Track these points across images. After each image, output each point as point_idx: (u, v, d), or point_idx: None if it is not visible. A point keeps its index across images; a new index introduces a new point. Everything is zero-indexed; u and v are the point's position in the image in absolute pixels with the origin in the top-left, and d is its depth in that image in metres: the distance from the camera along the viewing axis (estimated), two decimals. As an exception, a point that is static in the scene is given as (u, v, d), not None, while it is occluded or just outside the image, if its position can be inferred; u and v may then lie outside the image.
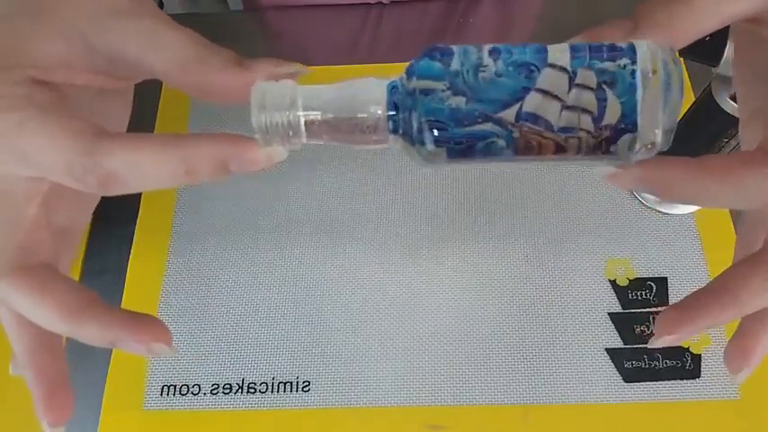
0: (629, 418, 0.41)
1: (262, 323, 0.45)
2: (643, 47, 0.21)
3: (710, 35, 0.41)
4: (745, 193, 0.21)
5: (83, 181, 0.21)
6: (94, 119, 0.24)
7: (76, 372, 0.44)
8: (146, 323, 0.23)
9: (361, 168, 0.50)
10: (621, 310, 0.44)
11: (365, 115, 0.21)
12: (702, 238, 0.46)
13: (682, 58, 0.43)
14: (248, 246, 0.47)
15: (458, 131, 0.21)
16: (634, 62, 0.20)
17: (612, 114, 0.20)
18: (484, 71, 0.20)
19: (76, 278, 0.47)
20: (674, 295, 0.44)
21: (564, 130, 0.21)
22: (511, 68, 0.20)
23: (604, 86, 0.20)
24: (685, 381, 0.42)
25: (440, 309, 0.45)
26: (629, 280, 0.45)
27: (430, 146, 0.21)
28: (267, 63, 0.23)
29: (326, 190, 0.49)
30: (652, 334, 0.44)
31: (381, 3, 0.58)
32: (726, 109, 0.39)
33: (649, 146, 0.21)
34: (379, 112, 0.21)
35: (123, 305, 0.45)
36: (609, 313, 0.44)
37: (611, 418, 0.41)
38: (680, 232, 0.46)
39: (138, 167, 0.21)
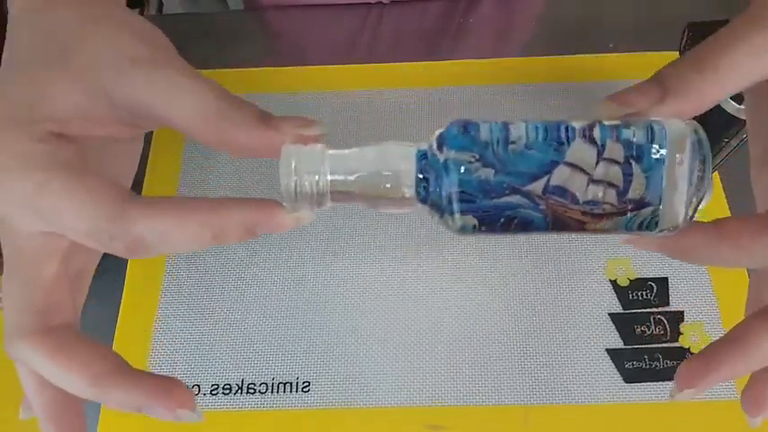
0: (629, 419, 0.41)
1: (261, 323, 0.44)
2: (672, 125, 0.21)
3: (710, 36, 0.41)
4: (760, 258, 0.21)
5: (108, 246, 0.20)
6: (106, 165, 0.24)
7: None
8: (171, 389, 0.23)
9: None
10: (622, 311, 0.44)
11: (393, 184, 0.21)
12: (703, 239, 0.46)
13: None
14: (248, 246, 0.47)
15: (485, 203, 0.21)
16: (663, 138, 0.20)
17: (637, 189, 0.20)
18: (514, 143, 0.20)
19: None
20: (675, 295, 0.44)
21: (589, 203, 0.21)
22: (541, 141, 0.20)
23: (631, 161, 0.20)
24: (686, 381, 0.42)
25: (440, 309, 0.45)
26: (630, 280, 0.45)
27: (457, 216, 0.21)
28: (293, 123, 0.22)
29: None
30: (653, 334, 0.44)
31: (381, 2, 0.58)
32: (727, 109, 0.39)
33: (672, 227, 0.21)
34: (408, 181, 0.21)
35: (122, 306, 0.45)
36: (609, 313, 0.44)
37: (611, 419, 0.41)
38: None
39: (166, 234, 0.20)
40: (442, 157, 0.21)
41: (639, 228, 0.21)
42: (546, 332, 0.44)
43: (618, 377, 0.42)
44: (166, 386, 0.22)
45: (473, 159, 0.20)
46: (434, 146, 0.21)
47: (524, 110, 0.52)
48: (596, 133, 0.21)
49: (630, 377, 0.42)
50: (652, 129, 0.21)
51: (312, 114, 0.53)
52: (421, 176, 0.21)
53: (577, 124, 0.21)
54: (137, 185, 0.49)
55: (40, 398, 0.23)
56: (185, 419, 0.23)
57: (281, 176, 0.21)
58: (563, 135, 0.21)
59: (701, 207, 0.21)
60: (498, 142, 0.21)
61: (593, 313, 0.44)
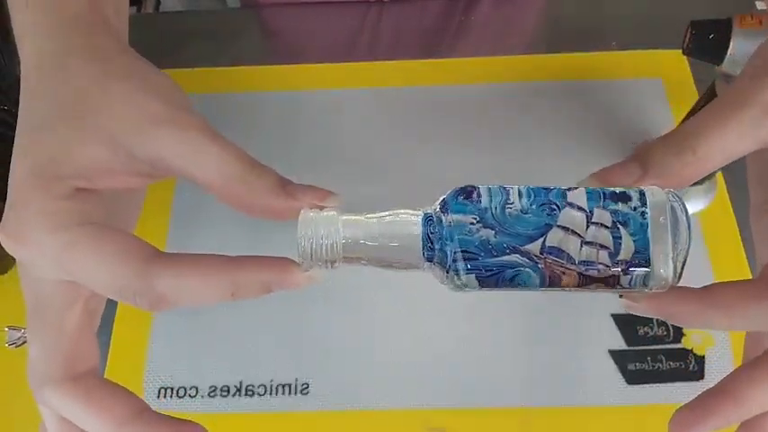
0: (632, 421, 0.41)
1: (260, 325, 0.44)
2: (652, 193, 0.23)
3: (713, 34, 0.41)
4: (750, 323, 0.23)
5: (132, 301, 0.21)
6: (119, 212, 0.25)
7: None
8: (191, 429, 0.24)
9: (364, 163, 0.49)
10: (624, 312, 0.43)
11: (402, 247, 0.24)
12: (707, 239, 0.46)
13: (686, 56, 0.43)
14: (247, 248, 0.46)
15: (488, 261, 0.23)
16: (645, 205, 0.23)
17: (627, 251, 0.23)
18: (510, 207, 0.23)
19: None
20: (678, 296, 0.44)
21: (584, 263, 0.23)
22: (534, 206, 0.23)
23: (619, 225, 0.23)
24: (689, 382, 0.41)
25: (440, 311, 0.44)
26: (632, 281, 0.44)
27: (462, 273, 0.23)
28: (311, 195, 0.24)
29: (327, 187, 0.48)
30: (656, 335, 0.44)
31: (381, 1, 0.58)
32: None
33: (663, 282, 0.23)
34: (416, 244, 0.24)
35: (120, 306, 0.45)
36: (612, 315, 0.43)
37: (614, 421, 0.41)
38: (683, 232, 0.46)
39: (189, 291, 0.21)
40: (445, 220, 0.23)
41: (632, 285, 0.23)
42: (548, 333, 0.43)
43: (620, 379, 0.42)
44: (184, 430, 0.24)
45: (474, 221, 0.23)
46: (438, 209, 0.24)
47: (525, 109, 0.51)
48: (584, 200, 0.23)
49: (633, 379, 0.41)
50: (634, 196, 0.23)
51: (312, 113, 0.53)
52: (427, 238, 0.24)
53: (567, 192, 0.23)
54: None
55: None
56: None
57: (298, 240, 0.23)
58: (554, 201, 0.23)
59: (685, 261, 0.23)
60: (497, 206, 0.23)
61: (596, 314, 0.44)
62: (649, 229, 0.23)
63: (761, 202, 0.28)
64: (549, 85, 0.52)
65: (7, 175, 0.22)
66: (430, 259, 0.24)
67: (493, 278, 0.23)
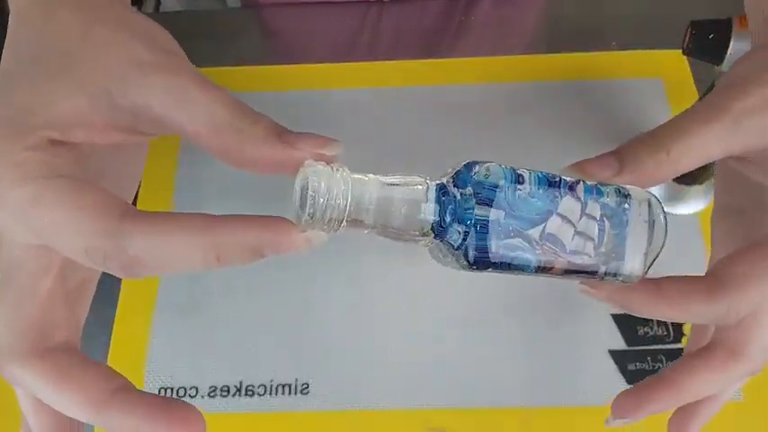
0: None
1: (260, 325, 0.44)
2: (635, 193, 0.24)
3: (713, 34, 0.41)
4: (693, 317, 0.25)
5: (103, 265, 0.19)
6: (110, 173, 0.23)
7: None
8: (178, 411, 0.21)
9: (364, 163, 0.49)
10: (624, 312, 0.43)
11: (411, 217, 0.22)
12: (706, 238, 0.46)
13: (686, 56, 0.43)
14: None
15: (494, 242, 0.23)
16: (628, 203, 0.24)
17: (608, 243, 0.24)
18: (521, 190, 0.23)
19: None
20: (678, 296, 0.44)
21: (573, 252, 0.23)
22: (542, 191, 0.23)
23: (605, 219, 0.24)
24: (689, 383, 0.41)
25: (440, 310, 0.44)
26: (632, 281, 0.44)
27: (470, 251, 0.22)
28: (312, 142, 0.22)
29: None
30: (656, 335, 0.44)
31: (381, 1, 0.58)
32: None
33: (631, 276, 0.24)
34: (427, 216, 0.23)
35: (119, 307, 0.45)
36: (612, 315, 0.43)
37: (613, 421, 0.41)
38: (684, 232, 0.46)
39: (166, 254, 0.19)
40: (458, 195, 0.23)
41: (607, 276, 0.24)
42: (548, 333, 0.43)
43: (621, 379, 0.42)
44: (173, 409, 0.21)
45: (487, 201, 0.22)
46: (451, 183, 0.23)
47: (525, 109, 0.51)
48: (581, 191, 0.24)
49: (633, 379, 0.41)
50: (621, 194, 0.24)
51: (311, 113, 0.53)
52: (438, 212, 0.23)
53: (568, 180, 0.24)
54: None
55: (39, 420, 0.22)
56: None
57: (295, 195, 0.21)
58: (558, 188, 0.23)
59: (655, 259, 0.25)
60: (509, 187, 0.23)
61: (596, 314, 0.44)
62: (629, 226, 0.24)
63: (723, 206, 0.30)
64: (549, 85, 0.52)
65: None
66: (438, 234, 0.23)
67: (495, 259, 0.23)
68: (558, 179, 0.24)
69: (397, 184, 0.23)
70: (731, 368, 0.25)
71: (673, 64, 0.52)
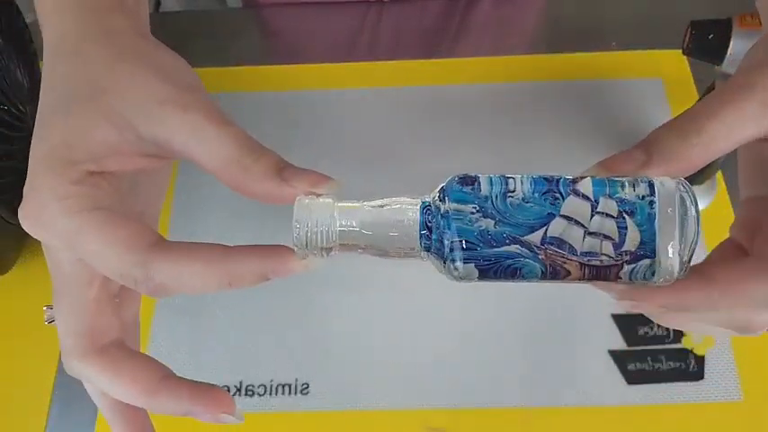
0: (632, 421, 0.41)
1: (260, 325, 0.44)
2: (661, 182, 0.22)
3: (713, 34, 0.41)
4: (753, 301, 0.23)
5: (135, 287, 0.22)
6: (139, 194, 0.26)
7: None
8: (214, 396, 0.25)
9: (364, 163, 0.49)
10: (624, 312, 0.43)
11: (399, 235, 0.23)
12: (707, 239, 0.45)
13: (686, 56, 0.43)
14: (248, 242, 0.47)
15: (486, 251, 0.22)
16: (653, 194, 0.22)
17: (632, 242, 0.22)
18: (512, 196, 0.22)
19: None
20: (678, 296, 0.44)
21: (587, 254, 0.22)
22: (537, 195, 0.22)
23: (625, 215, 0.22)
24: (689, 383, 0.41)
25: (440, 311, 0.44)
26: (632, 281, 0.44)
27: (459, 264, 0.22)
28: (308, 180, 0.24)
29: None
30: (656, 335, 0.44)
31: (381, 1, 0.58)
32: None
33: (668, 275, 0.22)
34: (413, 232, 0.23)
35: (119, 307, 0.45)
36: (612, 315, 0.43)
37: (614, 421, 0.41)
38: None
39: (187, 282, 0.22)
40: (443, 209, 0.22)
41: (637, 278, 0.22)
42: (547, 333, 0.43)
43: (620, 379, 0.42)
44: (209, 393, 0.25)
45: (474, 210, 0.22)
46: (437, 198, 0.23)
47: (525, 109, 0.51)
48: (589, 189, 0.22)
49: (633, 379, 0.41)
50: (641, 185, 0.22)
51: (311, 113, 0.53)
52: (425, 227, 0.23)
53: (571, 179, 0.23)
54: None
55: (104, 403, 0.26)
56: (227, 422, 0.25)
57: (293, 227, 0.23)
58: (557, 189, 0.22)
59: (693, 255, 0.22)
60: (497, 195, 0.22)
61: (596, 314, 0.44)
62: (657, 220, 0.22)
63: (756, 196, 0.27)
64: (549, 85, 0.52)
65: (8, 171, 0.23)
66: (427, 248, 0.23)
67: (491, 269, 0.22)
68: (556, 180, 0.23)
69: (382, 207, 0.23)
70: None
71: (673, 64, 0.52)
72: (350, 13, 0.58)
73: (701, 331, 0.25)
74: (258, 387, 0.42)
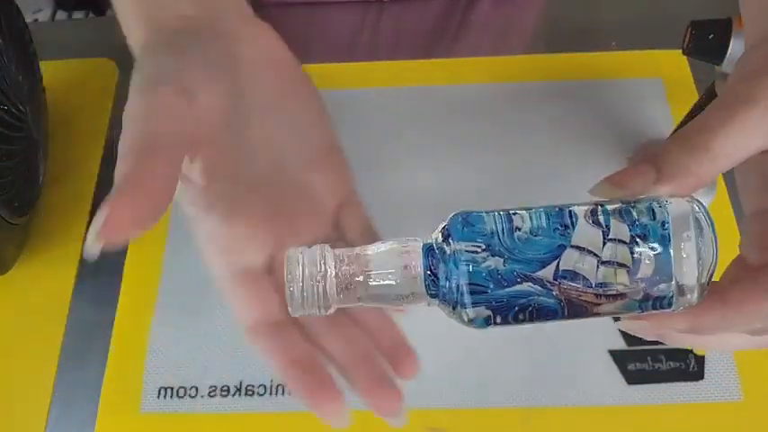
0: (632, 421, 0.41)
1: (260, 325, 0.44)
2: (674, 203, 0.21)
3: (713, 34, 0.41)
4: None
5: None
6: None
7: (73, 374, 0.43)
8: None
9: (364, 163, 0.49)
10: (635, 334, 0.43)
11: (401, 282, 0.21)
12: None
13: (686, 56, 0.43)
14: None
15: (498, 293, 0.21)
16: (666, 215, 0.21)
17: (647, 268, 0.20)
18: (520, 231, 0.21)
19: (72, 280, 0.46)
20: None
21: (601, 285, 0.21)
22: (545, 227, 0.21)
23: (638, 240, 0.20)
24: (689, 383, 0.41)
25: (440, 310, 0.44)
26: (632, 281, 0.44)
27: (470, 308, 0.21)
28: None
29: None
30: (655, 335, 0.43)
31: (381, 1, 0.58)
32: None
33: (686, 302, 0.21)
34: (416, 278, 0.21)
35: (119, 307, 0.45)
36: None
37: (614, 421, 0.41)
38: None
39: None
40: (449, 250, 0.21)
41: (655, 306, 0.21)
42: (547, 333, 0.43)
43: (620, 379, 0.42)
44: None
45: (480, 250, 0.20)
46: (440, 239, 0.21)
47: (525, 109, 0.51)
48: (599, 215, 0.21)
49: (633, 379, 0.41)
50: (654, 208, 0.21)
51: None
52: (429, 271, 0.21)
53: (579, 208, 0.21)
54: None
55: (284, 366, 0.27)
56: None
57: (285, 284, 0.21)
58: (567, 219, 0.21)
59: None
60: (504, 231, 0.21)
61: (595, 314, 0.44)
62: (671, 243, 0.20)
63: (759, 210, 0.26)
64: (549, 84, 0.52)
65: (8, 171, 0.22)
66: (434, 295, 0.22)
67: (504, 311, 0.21)
68: (564, 209, 0.21)
69: (381, 252, 0.22)
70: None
71: (673, 64, 0.52)
72: (350, 13, 0.58)
73: (715, 348, 0.25)
74: (258, 387, 0.42)
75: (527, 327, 0.43)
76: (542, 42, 0.56)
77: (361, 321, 0.27)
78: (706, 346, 0.25)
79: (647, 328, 0.23)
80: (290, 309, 0.22)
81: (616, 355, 0.42)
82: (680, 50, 0.42)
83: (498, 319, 0.21)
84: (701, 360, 0.42)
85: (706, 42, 0.41)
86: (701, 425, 0.40)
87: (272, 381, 0.42)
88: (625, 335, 0.43)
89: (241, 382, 0.42)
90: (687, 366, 0.42)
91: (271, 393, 0.42)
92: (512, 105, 0.51)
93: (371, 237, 0.29)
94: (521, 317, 0.21)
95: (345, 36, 0.57)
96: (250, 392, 0.42)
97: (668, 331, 0.23)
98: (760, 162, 0.25)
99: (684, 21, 0.42)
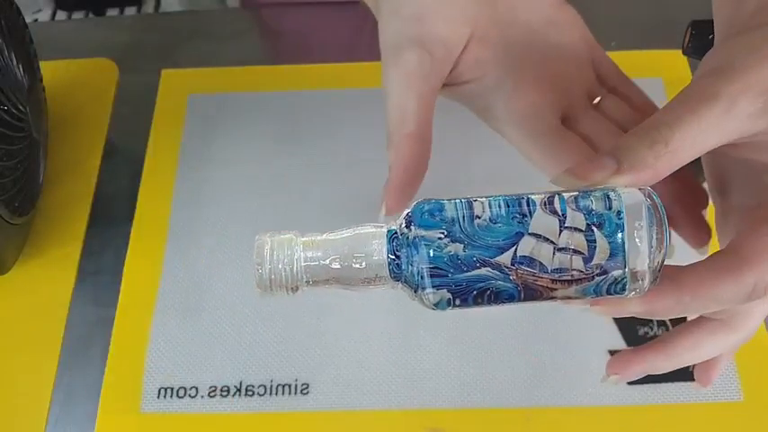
0: (631, 421, 0.41)
1: (260, 325, 0.44)
2: (627, 193, 0.22)
3: (713, 34, 0.41)
4: (719, 302, 0.24)
5: None
6: None
7: (72, 374, 0.43)
8: None
9: (364, 164, 0.49)
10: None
11: (366, 266, 0.22)
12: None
13: (686, 56, 0.43)
14: (246, 246, 0.47)
15: (457, 277, 0.22)
16: (620, 205, 0.22)
17: (602, 254, 0.22)
18: (479, 218, 0.22)
19: (72, 279, 0.46)
20: (678, 296, 0.44)
21: (557, 270, 0.22)
22: (504, 214, 0.22)
23: (593, 228, 0.22)
24: (689, 383, 0.41)
25: (440, 310, 0.44)
26: (632, 281, 0.44)
27: (430, 291, 0.22)
28: None
29: (327, 188, 0.48)
30: (655, 335, 0.44)
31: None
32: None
33: (638, 288, 0.22)
34: (380, 261, 0.22)
35: (119, 307, 0.45)
36: (611, 314, 0.43)
37: (613, 421, 0.41)
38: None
39: None
40: (411, 236, 0.22)
41: (608, 291, 0.22)
42: (547, 333, 0.43)
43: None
44: None
45: (442, 236, 0.22)
46: (403, 225, 0.23)
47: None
48: (556, 204, 0.22)
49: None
50: (609, 197, 0.22)
51: (312, 113, 0.52)
52: (393, 256, 0.22)
53: (537, 196, 0.22)
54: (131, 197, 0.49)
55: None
56: None
57: (254, 266, 0.22)
58: (525, 207, 0.22)
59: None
60: (464, 218, 0.22)
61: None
62: (625, 231, 0.22)
63: (725, 209, 0.28)
64: (549, 85, 0.52)
65: (8, 171, 0.23)
66: (397, 278, 0.23)
67: (464, 294, 0.22)
68: (522, 198, 0.22)
69: (346, 237, 0.23)
70: (724, 338, 0.26)
71: (673, 64, 0.52)
72: (350, 13, 0.58)
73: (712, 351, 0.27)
74: (258, 387, 0.42)
75: (527, 326, 0.44)
76: (542, 42, 0.55)
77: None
78: (686, 362, 0.28)
79: (605, 311, 0.24)
80: (257, 290, 0.22)
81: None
82: (680, 50, 0.42)
83: (458, 302, 0.22)
84: (701, 360, 0.42)
85: (706, 42, 0.41)
86: (701, 425, 0.40)
87: (271, 381, 0.42)
88: (625, 335, 0.43)
89: (241, 382, 0.42)
90: (687, 366, 0.41)
91: (271, 393, 0.42)
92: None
93: (627, 83, 0.34)
94: (479, 300, 0.22)
95: (345, 36, 0.57)
96: (250, 392, 0.42)
97: (622, 314, 0.24)
98: (709, 161, 0.27)
99: (684, 21, 0.42)
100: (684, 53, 0.42)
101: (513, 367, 0.42)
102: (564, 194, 0.22)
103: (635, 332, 0.43)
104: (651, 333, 0.43)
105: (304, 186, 0.49)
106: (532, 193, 0.22)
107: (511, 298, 0.22)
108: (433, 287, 0.22)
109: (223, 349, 0.43)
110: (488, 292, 0.22)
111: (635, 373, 0.28)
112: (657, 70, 0.52)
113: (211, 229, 0.47)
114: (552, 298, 0.23)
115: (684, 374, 0.41)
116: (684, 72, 0.52)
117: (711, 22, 0.41)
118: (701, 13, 0.42)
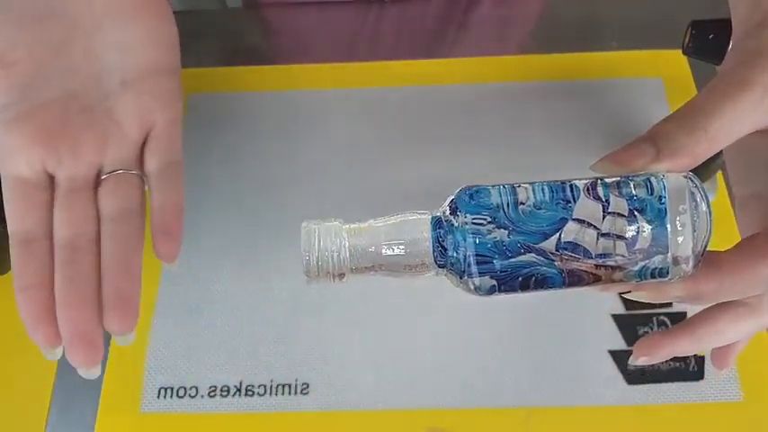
0: (631, 421, 0.41)
1: (260, 325, 0.44)
2: (670, 178, 0.22)
3: (713, 34, 0.41)
4: (763, 284, 0.23)
5: None
6: None
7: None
8: None
9: (366, 166, 0.49)
10: (624, 312, 0.43)
11: (411, 253, 0.23)
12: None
13: (686, 56, 0.43)
14: (247, 246, 0.47)
15: (502, 263, 0.22)
16: (663, 190, 0.22)
17: (645, 240, 0.22)
18: (524, 204, 0.22)
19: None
20: (678, 296, 0.44)
21: (601, 256, 0.22)
22: (548, 200, 0.22)
23: (636, 213, 0.22)
24: (689, 383, 0.41)
25: (440, 310, 0.44)
26: (632, 281, 0.44)
27: (476, 277, 0.22)
28: None
29: (326, 187, 0.48)
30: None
31: (381, 1, 0.58)
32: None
33: (681, 272, 0.22)
34: (425, 249, 0.23)
35: (119, 307, 0.45)
36: (612, 314, 0.43)
37: (613, 421, 0.41)
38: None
39: None
40: (456, 223, 0.22)
41: (653, 276, 0.22)
42: (547, 333, 0.43)
43: (620, 379, 0.42)
44: None
45: (486, 222, 0.22)
46: (448, 212, 0.23)
47: (524, 109, 0.51)
48: (599, 190, 0.22)
49: (633, 379, 0.41)
50: (650, 182, 0.22)
51: (311, 113, 0.52)
52: (437, 243, 0.23)
53: (581, 182, 0.22)
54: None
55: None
56: None
57: (302, 254, 0.22)
58: (569, 193, 0.22)
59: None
60: (509, 204, 0.22)
61: (596, 314, 0.44)
62: (668, 216, 0.22)
63: (745, 195, 0.28)
64: (549, 85, 0.52)
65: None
66: (442, 265, 0.23)
67: (509, 280, 0.22)
68: (566, 184, 0.22)
69: (391, 225, 0.23)
70: (749, 323, 0.25)
71: (673, 64, 0.52)
72: (350, 13, 0.58)
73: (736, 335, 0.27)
74: (258, 387, 0.42)
75: (527, 326, 0.44)
76: (542, 42, 0.55)
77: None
78: (715, 343, 0.27)
79: (647, 296, 0.24)
80: (305, 277, 0.23)
81: (616, 355, 0.42)
82: (680, 50, 0.42)
83: (503, 288, 0.22)
84: (701, 360, 0.42)
85: (706, 42, 0.41)
86: (701, 425, 0.40)
87: (271, 381, 0.42)
88: (625, 335, 0.43)
89: (241, 382, 0.42)
90: (687, 366, 0.42)
91: (271, 393, 0.42)
92: (512, 105, 0.51)
93: (170, 176, 0.31)
94: (524, 286, 0.22)
95: (345, 36, 0.57)
96: (250, 392, 0.42)
97: (666, 299, 0.24)
98: (744, 146, 0.26)
99: (684, 21, 0.42)
100: (684, 53, 0.42)
101: (513, 367, 0.42)
102: (606, 180, 0.22)
103: (635, 332, 0.43)
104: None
105: (304, 186, 0.49)
106: (575, 180, 0.23)
107: (555, 284, 0.22)
108: (479, 274, 0.22)
109: (223, 349, 0.43)
110: (533, 277, 0.22)
111: (662, 356, 0.28)
112: (657, 70, 0.52)
113: (211, 229, 0.47)
114: (596, 283, 0.23)
115: (685, 374, 0.42)
116: (684, 72, 0.52)
117: (711, 21, 0.41)
118: (701, 13, 0.42)
